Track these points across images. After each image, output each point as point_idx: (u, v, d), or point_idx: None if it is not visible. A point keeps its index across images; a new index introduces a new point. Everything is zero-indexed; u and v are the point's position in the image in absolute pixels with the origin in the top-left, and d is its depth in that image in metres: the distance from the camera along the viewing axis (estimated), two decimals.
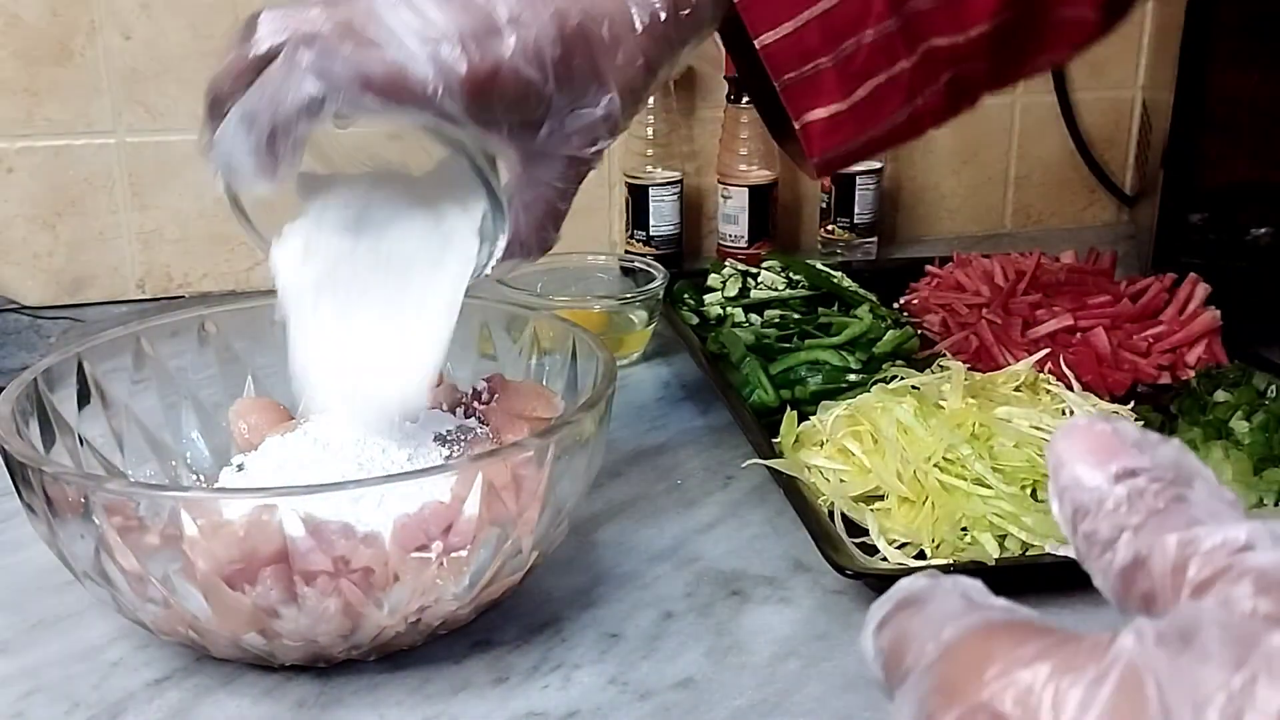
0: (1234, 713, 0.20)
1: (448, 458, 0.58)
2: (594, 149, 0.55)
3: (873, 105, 0.61)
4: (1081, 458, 0.25)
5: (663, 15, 0.55)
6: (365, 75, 0.49)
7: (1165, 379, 0.82)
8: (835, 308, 0.91)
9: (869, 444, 0.66)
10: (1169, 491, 0.25)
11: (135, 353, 0.64)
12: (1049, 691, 0.22)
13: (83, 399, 0.60)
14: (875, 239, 1.12)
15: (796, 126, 0.61)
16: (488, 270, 0.57)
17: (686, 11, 0.56)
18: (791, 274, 0.95)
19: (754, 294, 0.93)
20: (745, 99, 1.05)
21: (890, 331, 0.84)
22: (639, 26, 0.55)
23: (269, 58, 0.51)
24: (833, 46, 0.59)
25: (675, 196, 1.07)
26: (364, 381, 0.54)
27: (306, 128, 0.49)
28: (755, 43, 0.59)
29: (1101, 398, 0.74)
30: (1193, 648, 0.22)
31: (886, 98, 0.61)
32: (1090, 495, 0.25)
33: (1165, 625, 0.22)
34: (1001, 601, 0.25)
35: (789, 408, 0.73)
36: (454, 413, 0.64)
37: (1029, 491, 0.63)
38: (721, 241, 1.09)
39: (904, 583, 0.26)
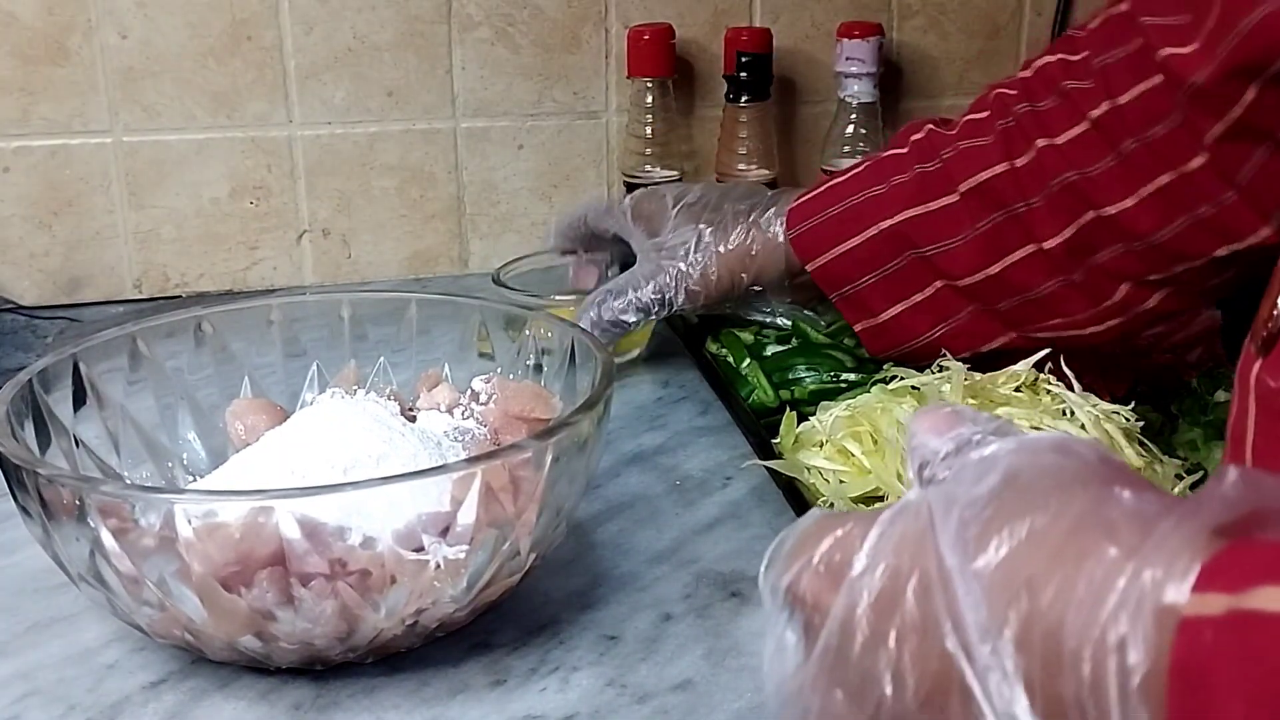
0: (972, 511, 0.29)
1: (446, 460, 0.57)
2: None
3: (911, 318, 0.77)
4: (928, 430, 0.34)
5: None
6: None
7: (1166, 379, 0.81)
8: None
9: (869, 445, 0.66)
10: (991, 439, 0.32)
11: (131, 353, 0.64)
12: (855, 535, 0.32)
13: (79, 400, 0.60)
14: None
15: (855, 329, 0.79)
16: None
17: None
18: None
19: None
20: (745, 98, 1.05)
21: None
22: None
23: None
24: (868, 271, 0.76)
25: None
26: None
27: None
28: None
29: (1102, 398, 0.73)
30: (953, 479, 0.31)
31: (919, 314, 0.76)
32: (930, 450, 0.34)
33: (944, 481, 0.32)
34: None
35: (788, 408, 0.73)
36: (452, 414, 0.64)
37: None
38: None
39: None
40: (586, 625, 0.57)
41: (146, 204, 1.02)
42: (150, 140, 1.01)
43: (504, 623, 0.57)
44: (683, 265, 0.78)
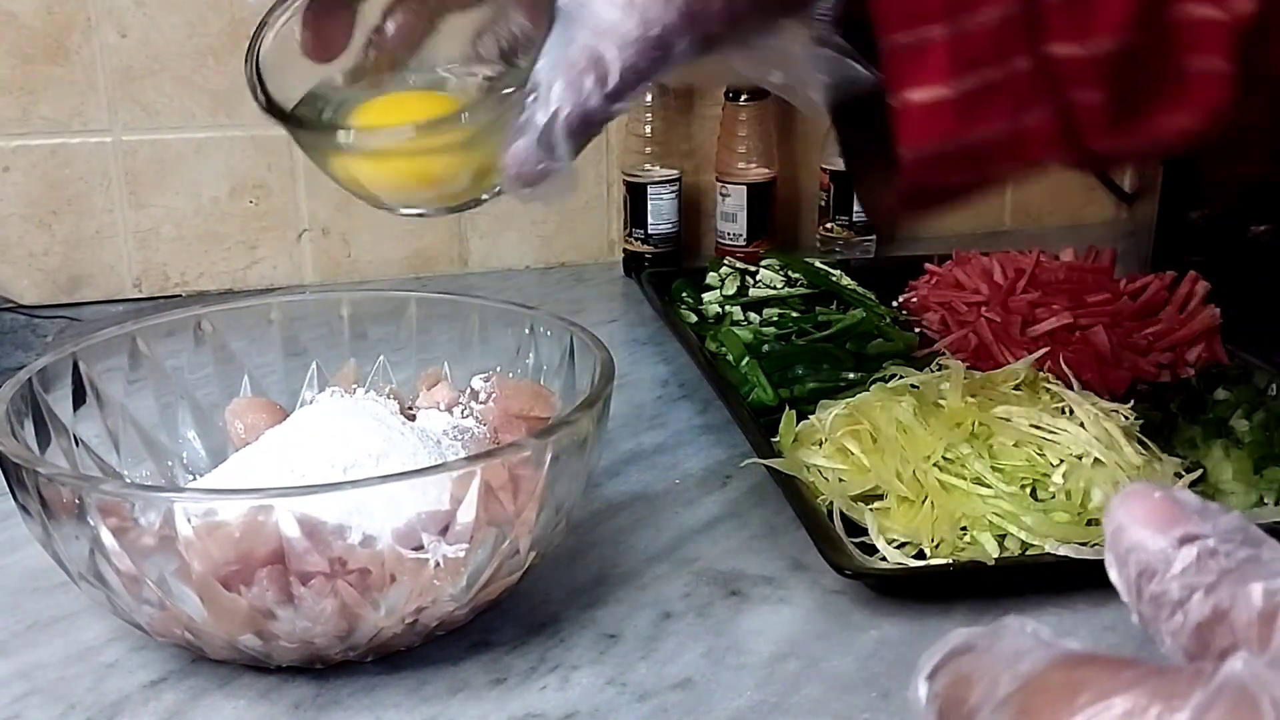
0: None
1: (445, 458, 0.57)
2: None
3: (979, 102, 0.49)
4: (1143, 523, 0.25)
5: None
6: None
7: (1165, 377, 0.81)
8: (834, 306, 0.90)
9: (868, 443, 0.66)
10: (1241, 552, 0.24)
11: (131, 352, 0.64)
12: (1151, 717, 0.21)
13: (78, 399, 0.60)
14: (874, 237, 1.12)
15: (893, 105, 0.49)
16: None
17: None
18: (790, 272, 0.95)
19: (752, 292, 0.93)
20: (744, 97, 1.05)
21: (880, 340, 0.84)
22: None
23: None
24: (951, 16, 0.48)
25: (673, 194, 1.06)
26: None
27: None
28: None
29: (1101, 396, 0.73)
30: None
31: (994, 100, 0.49)
32: (1157, 557, 0.25)
33: (1273, 655, 0.22)
34: (1075, 643, 0.24)
35: (787, 407, 0.73)
36: (451, 413, 0.64)
37: (1028, 491, 0.62)
38: (720, 240, 1.09)
39: (959, 630, 0.25)
40: (586, 624, 0.57)
41: (146, 203, 1.02)
42: (150, 139, 1.01)
43: (504, 621, 0.57)
44: None
